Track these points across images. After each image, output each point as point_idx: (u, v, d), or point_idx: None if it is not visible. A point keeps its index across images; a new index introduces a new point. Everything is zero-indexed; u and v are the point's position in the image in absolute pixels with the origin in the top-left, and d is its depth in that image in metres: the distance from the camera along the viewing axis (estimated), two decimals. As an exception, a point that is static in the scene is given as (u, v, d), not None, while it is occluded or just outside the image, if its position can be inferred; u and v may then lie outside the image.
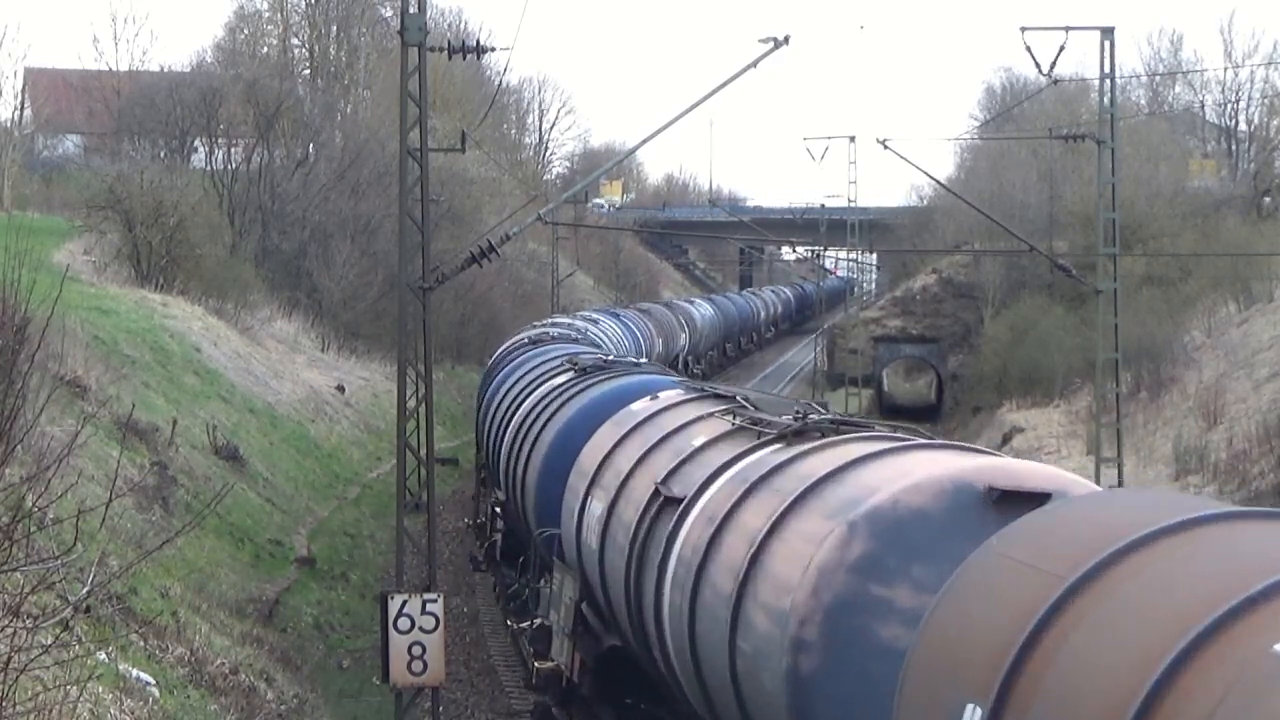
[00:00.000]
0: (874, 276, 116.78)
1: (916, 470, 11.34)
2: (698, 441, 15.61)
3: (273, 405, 44.47)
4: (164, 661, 19.38)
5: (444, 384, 57.97)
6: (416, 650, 20.54)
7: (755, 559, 11.94)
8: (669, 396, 18.91)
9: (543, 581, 21.20)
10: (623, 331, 57.42)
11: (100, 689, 15.40)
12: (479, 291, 68.47)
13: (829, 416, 14.56)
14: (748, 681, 11.91)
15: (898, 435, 13.65)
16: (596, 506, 17.44)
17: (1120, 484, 34.33)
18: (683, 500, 14.39)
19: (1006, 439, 48.67)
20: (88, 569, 15.70)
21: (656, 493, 15.23)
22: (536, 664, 19.86)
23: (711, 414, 16.49)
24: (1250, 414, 40.11)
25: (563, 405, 23.30)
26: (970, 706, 7.50)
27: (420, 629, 20.54)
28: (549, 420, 23.32)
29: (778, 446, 13.87)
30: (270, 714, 20.29)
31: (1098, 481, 29.63)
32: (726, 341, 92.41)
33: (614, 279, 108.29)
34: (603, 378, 23.84)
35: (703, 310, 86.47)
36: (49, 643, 12.03)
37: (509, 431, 26.87)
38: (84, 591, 15.20)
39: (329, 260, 61.44)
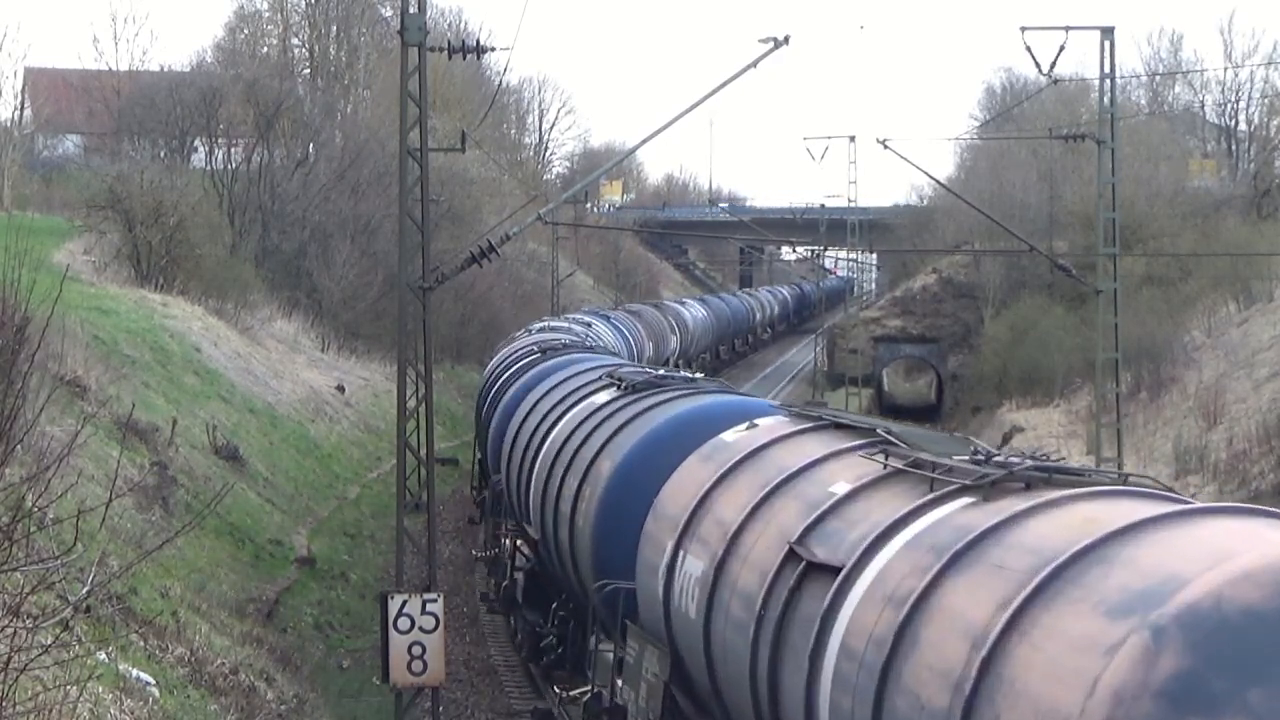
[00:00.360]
0: (874, 276, 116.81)
1: (1236, 551, 8.26)
2: (838, 489, 12.43)
3: (273, 405, 44.47)
4: (164, 661, 19.38)
5: (444, 384, 57.98)
6: (416, 650, 20.56)
7: (988, 667, 8.99)
8: (773, 425, 15.31)
9: (598, 641, 18.51)
10: (613, 334, 56.63)
11: (100, 689, 15.41)
12: (479, 291, 68.46)
13: (1031, 459, 11.08)
14: None
15: (1151, 491, 10.30)
16: (694, 565, 14.16)
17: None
18: (839, 570, 11.24)
19: (1006, 439, 48.68)
20: (88, 569, 15.70)
21: (792, 555, 12.08)
22: None
23: (848, 450, 13.28)
24: (1250, 414, 40.10)
25: (619, 430, 20.04)
26: None
27: (420, 629, 20.56)
28: (603, 448, 20.03)
29: (969, 501, 10.70)
30: (270, 714, 20.28)
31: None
32: (720, 344, 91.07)
33: (614, 279, 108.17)
34: (661, 397, 20.43)
35: (694, 312, 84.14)
36: (49, 643, 12.03)
37: (540, 458, 23.62)
38: (84, 591, 15.19)
39: (329, 260, 61.44)
